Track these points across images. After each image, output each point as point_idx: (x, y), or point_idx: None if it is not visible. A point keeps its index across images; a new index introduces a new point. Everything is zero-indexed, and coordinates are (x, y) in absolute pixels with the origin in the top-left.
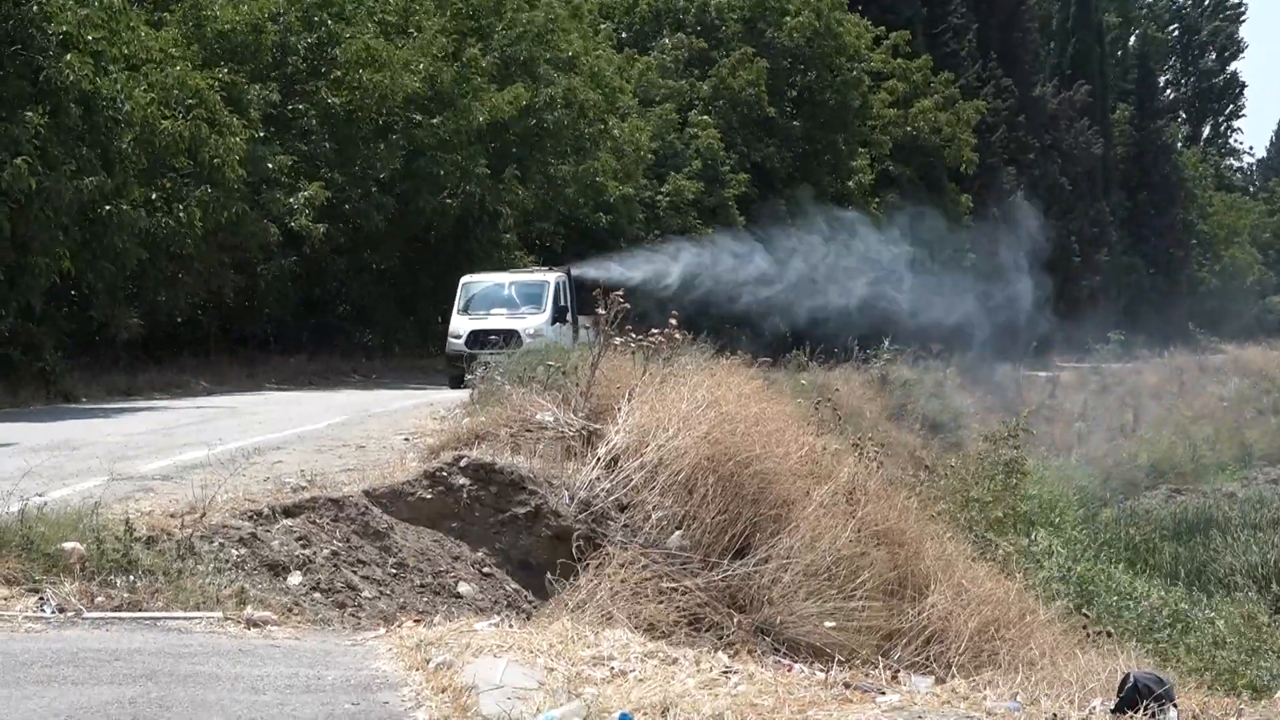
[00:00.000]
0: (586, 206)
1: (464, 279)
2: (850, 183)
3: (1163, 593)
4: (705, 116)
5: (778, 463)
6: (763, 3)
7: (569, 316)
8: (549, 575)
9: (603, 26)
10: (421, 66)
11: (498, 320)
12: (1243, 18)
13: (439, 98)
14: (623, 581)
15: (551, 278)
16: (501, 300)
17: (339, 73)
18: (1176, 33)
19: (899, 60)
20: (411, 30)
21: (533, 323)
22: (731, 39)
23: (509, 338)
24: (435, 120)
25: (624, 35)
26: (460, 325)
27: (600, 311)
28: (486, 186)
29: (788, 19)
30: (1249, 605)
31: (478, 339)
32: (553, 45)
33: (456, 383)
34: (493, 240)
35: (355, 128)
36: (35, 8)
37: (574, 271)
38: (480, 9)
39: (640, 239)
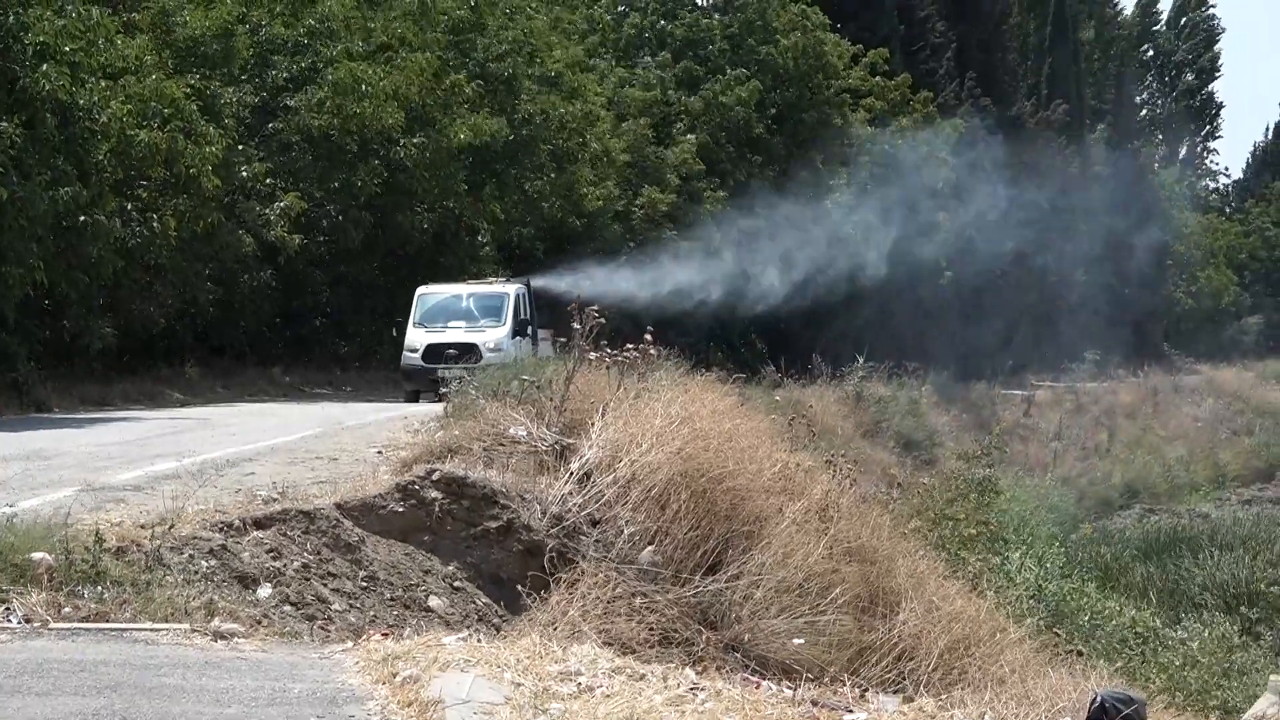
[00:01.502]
0: (564, 214)
1: (419, 290)
2: (827, 201)
3: (1134, 612)
4: (690, 136)
5: (750, 479)
6: (750, 23)
7: (530, 330)
8: (521, 589)
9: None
10: (405, 93)
11: (455, 334)
12: (1218, 39)
13: (420, 118)
14: (595, 598)
15: (511, 289)
16: (459, 312)
17: (322, 94)
18: (1152, 53)
19: (877, 79)
20: (395, 45)
21: (493, 336)
22: (718, 56)
23: (468, 352)
24: (415, 140)
25: (608, 52)
26: (416, 339)
27: (576, 326)
28: (464, 204)
29: (780, 39)
30: (1221, 626)
31: (435, 353)
32: (535, 62)
33: (413, 398)
34: (470, 254)
35: (335, 147)
36: (12, 18)
37: (533, 283)
38: (463, 23)
39: (616, 248)
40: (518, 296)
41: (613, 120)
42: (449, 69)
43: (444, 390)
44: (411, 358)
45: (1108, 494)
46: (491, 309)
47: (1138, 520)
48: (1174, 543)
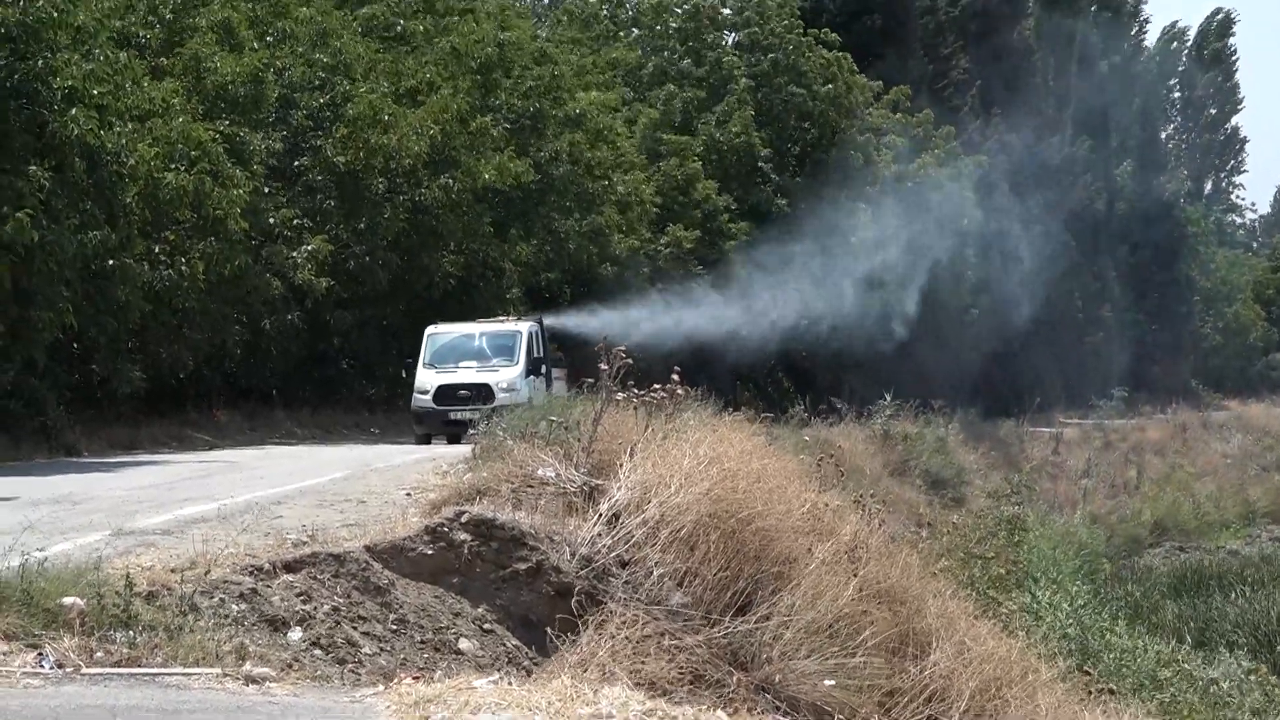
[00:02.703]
0: (592, 259)
1: (429, 330)
2: (853, 239)
3: (1165, 650)
4: (698, 165)
5: (779, 520)
6: (778, 63)
7: (543, 369)
8: (550, 631)
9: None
10: (430, 131)
11: (467, 374)
12: (1235, 68)
13: (446, 160)
14: (625, 639)
15: (524, 327)
16: (471, 352)
17: (345, 130)
18: (1177, 87)
19: (899, 115)
20: (422, 87)
21: (506, 376)
22: (741, 92)
23: (480, 393)
24: (440, 181)
25: (630, 91)
26: (427, 380)
27: (603, 367)
28: (491, 244)
29: (815, 88)
30: (1255, 664)
31: (446, 394)
32: (560, 102)
33: (424, 440)
34: (496, 296)
35: (361, 186)
36: (41, 62)
37: (545, 321)
38: (490, 63)
39: (644, 290)
40: (531, 335)
41: (644, 163)
42: (476, 111)
43: (471, 433)
44: (422, 399)
45: (1137, 531)
46: (504, 348)
47: (1167, 557)
48: (1204, 580)
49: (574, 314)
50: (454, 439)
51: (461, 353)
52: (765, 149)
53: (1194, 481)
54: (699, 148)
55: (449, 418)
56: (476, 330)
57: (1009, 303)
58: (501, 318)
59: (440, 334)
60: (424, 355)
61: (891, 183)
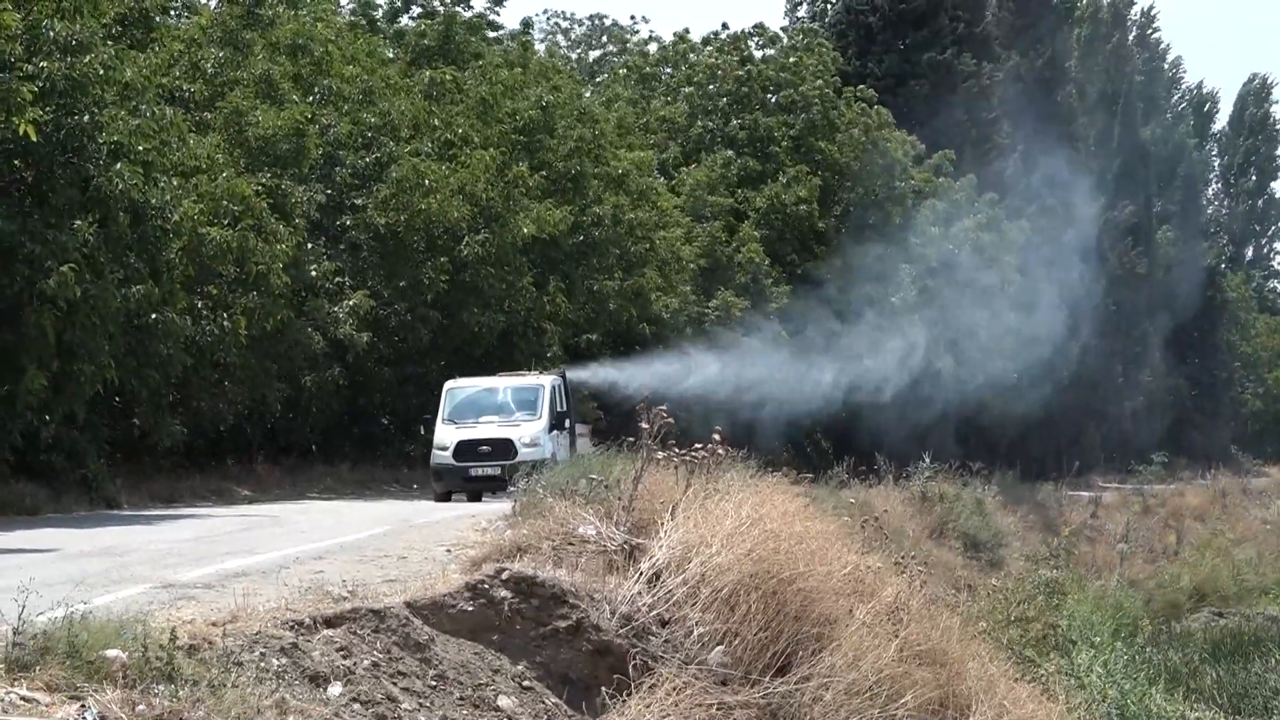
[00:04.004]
0: (632, 319)
1: (448, 385)
2: (894, 299)
3: (1206, 717)
4: (754, 231)
5: (821, 581)
6: (813, 122)
7: (567, 423)
8: (605, 691)
9: (664, 143)
10: (470, 189)
11: (488, 429)
12: (1275, 133)
13: (485, 213)
14: (675, 704)
15: (547, 380)
16: (492, 407)
17: (387, 191)
18: (1216, 154)
19: (942, 180)
20: (460, 145)
21: (529, 430)
22: (781, 154)
23: (502, 448)
24: (479, 237)
25: (675, 153)
26: (446, 436)
27: (644, 425)
28: (531, 301)
29: (838, 135)
30: None
31: (467, 450)
32: (602, 161)
33: (444, 498)
34: (536, 353)
35: (401, 244)
36: (87, 117)
37: (568, 375)
38: (532, 124)
39: (684, 351)
40: (554, 388)
41: (688, 224)
42: (512, 162)
43: (502, 494)
44: (442, 456)
45: (1176, 596)
46: (526, 402)
47: (1206, 623)
48: (1243, 645)
49: (608, 368)
50: (474, 497)
51: (482, 407)
52: (821, 221)
53: (1233, 547)
54: (761, 204)
55: (469, 474)
56: (498, 384)
57: (1047, 367)
58: (523, 372)
59: (460, 388)
60: (443, 410)
61: (932, 244)
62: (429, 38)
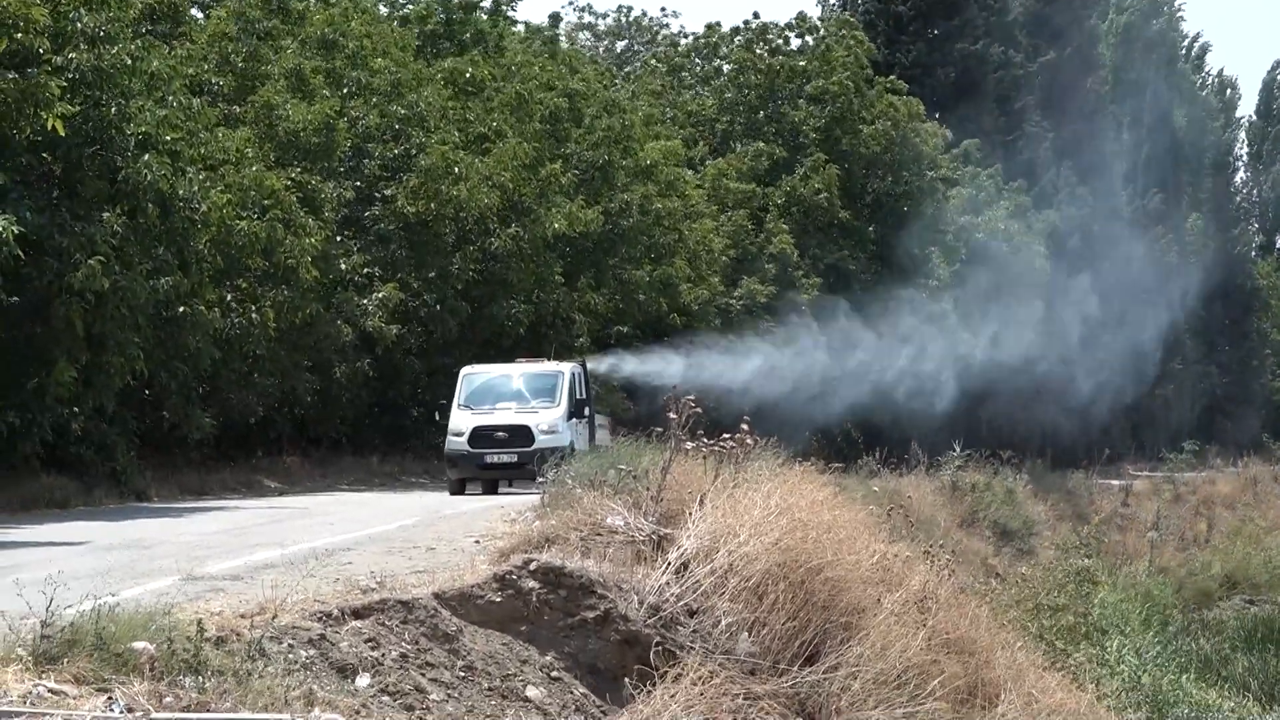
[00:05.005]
0: (661, 309)
1: (464, 371)
2: (925, 289)
3: (1237, 705)
4: (782, 222)
5: (849, 570)
6: (841, 116)
7: (586, 411)
8: (628, 682)
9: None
10: (500, 179)
11: (505, 415)
12: None
13: (515, 207)
14: (699, 693)
15: (566, 368)
16: (509, 393)
17: (416, 180)
18: (1244, 141)
19: (970, 167)
20: (491, 136)
21: (547, 418)
22: (809, 146)
23: (520, 435)
24: (510, 230)
25: (703, 144)
26: (461, 422)
27: (672, 415)
28: (561, 293)
29: (864, 127)
30: None
31: (483, 437)
32: (631, 152)
33: (458, 489)
34: (566, 344)
35: (431, 235)
36: (115, 109)
37: (589, 364)
38: (559, 113)
39: (713, 341)
40: (573, 376)
41: (714, 213)
42: (545, 159)
43: (541, 479)
44: (457, 442)
45: (1207, 584)
46: (545, 389)
47: (1238, 611)
48: (1274, 633)
49: (628, 358)
50: (490, 486)
51: (499, 394)
52: (843, 211)
53: (1264, 535)
54: (780, 199)
55: (485, 461)
56: (515, 371)
57: (1078, 354)
58: (542, 359)
59: (476, 374)
60: (459, 396)
61: (962, 234)
62: (430, 22)
